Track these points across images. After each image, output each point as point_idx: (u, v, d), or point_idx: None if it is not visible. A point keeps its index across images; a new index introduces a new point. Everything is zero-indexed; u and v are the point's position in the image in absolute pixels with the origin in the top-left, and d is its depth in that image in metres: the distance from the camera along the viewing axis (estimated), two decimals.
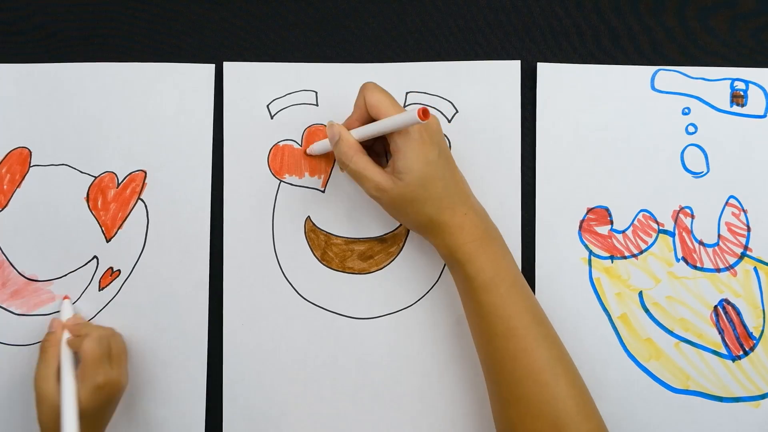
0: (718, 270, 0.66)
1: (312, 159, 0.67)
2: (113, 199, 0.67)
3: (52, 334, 0.63)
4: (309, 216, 0.67)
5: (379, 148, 0.64)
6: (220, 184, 0.67)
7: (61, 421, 0.57)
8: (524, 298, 0.59)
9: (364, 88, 0.60)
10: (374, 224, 0.67)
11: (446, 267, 0.66)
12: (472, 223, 0.59)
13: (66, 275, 0.67)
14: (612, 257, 0.66)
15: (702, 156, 0.67)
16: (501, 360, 0.57)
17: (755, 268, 0.66)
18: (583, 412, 0.56)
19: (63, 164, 0.68)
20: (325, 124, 0.67)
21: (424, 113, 0.53)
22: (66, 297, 0.66)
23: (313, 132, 0.68)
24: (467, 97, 0.67)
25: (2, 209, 0.67)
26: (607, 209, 0.67)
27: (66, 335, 0.63)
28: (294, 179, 0.67)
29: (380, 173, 0.58)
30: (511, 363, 0.57)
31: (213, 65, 0.68)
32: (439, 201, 0.58)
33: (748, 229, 0.66)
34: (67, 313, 0.65)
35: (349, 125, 0.61)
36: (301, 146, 0.67)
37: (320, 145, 0.66)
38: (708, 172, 0.67)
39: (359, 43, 0.68)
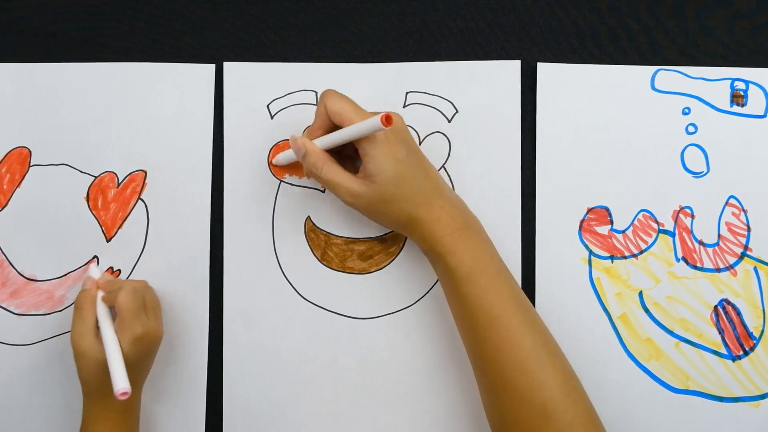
0: (718, 270, 0.66)
1: None
2: (113, 198, 0.67)
3: (86, 291, 0.62)
4: (309, 216, 0.67)
5: (350, 152, 0.64)
6: (220, 184, 0.67)
7: (110, 373, 0.57)
8: (507, 287, 0.59)
9: (325, 95, 0.59)
10: (374, 224, 0.67)
11: None
12: (449, 215, 0.59)
13: (66, 275, 0.67)
14: (612, 257, 0.66)
15: (702, 156, 0.67)
16: (486, 350, 0.57)
17: (755, 268, 0.66)
18: (571, 398, 0.56)
19: (63, 164, 0.68)
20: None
21: (387, 119, 0.53)
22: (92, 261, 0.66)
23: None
24: (467, 97, 0.67)
25: (2, 209, 0.67)
26: (607, 209, 0.67)
27: (100, 293, 0.62)
28: (294, 179, 0.67)
29: (351, 179, 0.58)
30: (495, 352, 0.57)
31: (213, 65, 0.68)
32: (413, 197, 0.58)
33: (748, 229, 0.66)
34: (96, 274, 0.65)
35: (311, 134, 0.61)
36: None
37: (285, 156, 0.65)
38: (708, 172, 0.67)
39: (359, 43, 0.68)
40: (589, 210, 0.67)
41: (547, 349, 0.57)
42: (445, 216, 0.59)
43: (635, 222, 0.67)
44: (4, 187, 0.67)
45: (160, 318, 0.64)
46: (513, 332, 0.57)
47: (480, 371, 0.59)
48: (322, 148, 0.60)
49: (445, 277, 0.60)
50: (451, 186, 0.67)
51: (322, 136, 0.60)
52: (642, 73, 0.68)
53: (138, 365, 0.61)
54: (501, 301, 0.58)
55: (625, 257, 0.66)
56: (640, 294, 0.66)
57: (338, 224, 0.67)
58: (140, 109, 0.68)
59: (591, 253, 0.66)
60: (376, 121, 0.54)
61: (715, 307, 0.66)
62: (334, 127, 0.59)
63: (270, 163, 0.67)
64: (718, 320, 0.65)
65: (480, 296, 0.58)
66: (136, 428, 0.63)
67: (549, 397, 0.55)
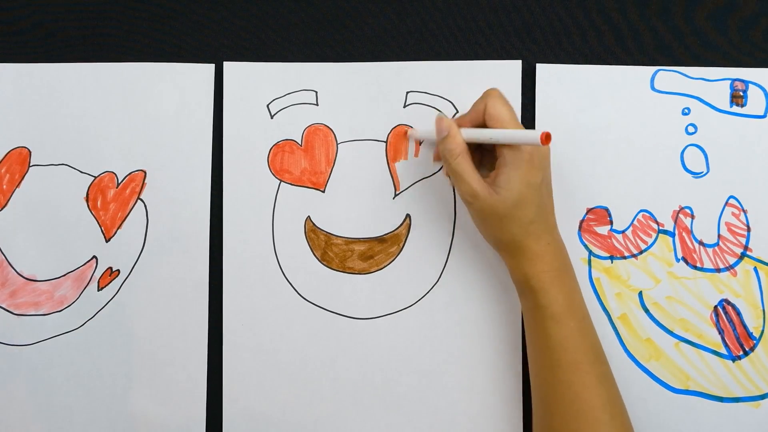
0: (718, 270, 0.66)
1: (312, 159, 0.67)
2: (113, 198, 0.67)
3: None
4: (309, 216, 0.67)
5: (484, 159, 0.62)
6: (219, 184, 0.67)
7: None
8: (591, 334, 0.59)
9: (488, 95, 0.58)
10: (374, 224, 0.67)
11: (446, 269, 0.66)
12: (552, 253, 0.58)
13: (65, 275, 0.67)
14: (612, 257, 0.66)
15: (702, 156, 0.67)
16: (560, 392, 0.57)
17: (755, 268, 0.66)
18: None
19: (63, 164, 0.68)
20: (326, 123, 0.67)
21: (547, 138, 0.52)
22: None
23: (313, 131, 0.68)
24: (467, 97, 0.67)
25: (2, 209, 0.67)
26: (606, 209, 0.67)
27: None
28: (294, 179, 0.67)
29: (479, 180, 0.57)
30: (571, 396, 0.56)
31: (213, 65, 0.68)
32: (527, 225, 0.57)
33: (748, 229, 0.66)
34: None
35: (459, 123, 0.60)
36: (301, 146, 0.67)
37: (425, 132, 0.65)
38: (708, 172, 0.67)
39: (359, 43, 0.68)
40: (589, 210, 0.67)
41: (617, 405, 0.58)
42: (549, 253, 0.58)
43: (635, 222, 0.67)
44: (4, 187, 0.67)
45: None
46: (591, 380, 0.56)
47: (546, 411, 0.59)
48: (467, 138, 0.59)
49: (533, 313, 0.59)
50: (452, 186, 0.67)
51: (468, 128, 0.59)
52: (642, 73, 0.68)
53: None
54: (584, 347, 0.57)
55: (624, 257, 0.66)
56: (640, 294, 0.66)
57: (338, 224, 0.67)
58: (140, 109, 0.68)
59: (591, 253, 0.66)
60: (534, 135, 0.52)
61: (715, 307, 0.66)
62: (483, 124, 0.59)
63: (269, 162, 0.67)
64: (718, 320, 0.65)
65: (567, 338, 0.57)
66: None
67: None
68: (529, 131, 0.54)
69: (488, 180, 0.58)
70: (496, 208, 0.57)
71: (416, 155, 0.67)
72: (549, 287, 0.57)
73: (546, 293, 0.57)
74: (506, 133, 0.56)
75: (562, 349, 0.57)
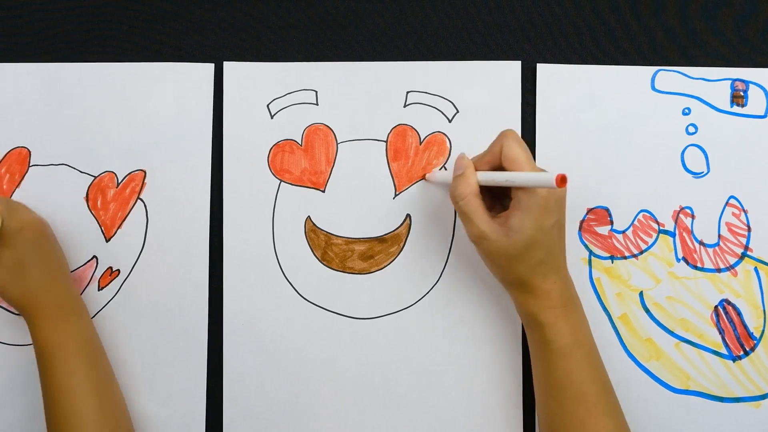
0: (719, 270, 0.66)
1: (313, 159, 0.67)
2: (113, 198, 0.67)
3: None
4: (309, 216, 0.67)
5: (489, 197, 0.62)
6: (219, 184, 0.67)
7: None
8: (597, 366, 0.59)
9: (504, 136, 0.58)
10: (374, 224, 0.67)
11: (446, 269, 0.66)
12: (559, 290, 0.58)
13: None
14: (612, 257, 0.66)
15: (702, 156, 0.67)
16: (568, 424, 0.57)
17: (756, 269, 0.66)
18: None
19: (62, 164, 0.67)
20: (326, 123, 0.67)
21: (562, 180, 0.51)
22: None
23: (313, 131, 0.68)
24: (467, 97, 0.67)
25: None
26: (607, 209, 0.67)
27: None
28: (294, 179, 0.67)
29: (488, 222, 0.57)
30: (577, 428, 0.57)
31: (213, 65, 0.68)
32: (536, 265, 0.57)
33: (749, 230, 0.66)
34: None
35: (477, 165, 0.59)
36: (301, 146, 0.67)
37: (441, 176, 0.65)
38: (708, 172, 0.67)
39: (359, 43, 0.68)
40: (589, 210, 0.67)
41: None
42: (556, 290, 0.58)
43: (635, 222, 0.67)
44: (4, 187, 0.67)
45: (22, 208, 0.63)
46: (598, 412, 0.57)
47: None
48: (483, 181, 0.58)
49: (539, 347, 0.59)
50: None
51: (486, 170, 0.59)
52: (642, 73, 0.68)
53: (38, 253, 0.61)
54: (591, 380, 0.58)
55: (625, 257, 0.66)
56: (641, 294, 0.66)
57: (338, 224, 0.67)
58: (140, 109, 0.68)
59: (591, 253, 0.66)
60: (549, 178, 0.52)
61: (716, 307, 0.66)
62: (500, 166, 0.58)
63: (269, 162, 0.67)
64: (718, 320, 0.65)
65: (572, 371, 0.57)
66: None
67: None
68: (545, 174, 0.53)
69: (499, 220, 0.58)
70: (506, 250, 0.57)
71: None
72: (555, 322, 0.58)
73: (551, 328, 0.58)
74: (522, 176, 0.56)
75: (568, 381, 0.57)
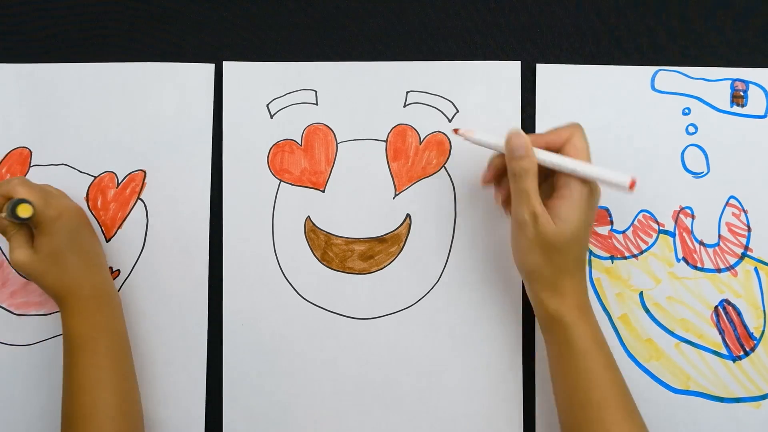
0: (719, 270, 0.66)
1: (312, 159, 0.67)
2: (113, 198, 0.67)
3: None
4: (309, 216, 0.67)
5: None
6: (219, 184, 0.67)
7: None
8: (616, 369, 0.58)
9: (576, 127, 0.58)
10: (374, 224, 0.67)
11: (446, 269, 0.66)
12: (581, 291, 0.58)
13: None
14: (612, 258, 0.66)
15: (702, 156, 0.67)
16: (591, 428, 0.56)
17: (756, 269, 0.66)
18: None
19: (63, 164, 0.68)
20: (326, 123, 0.67)
21: (632, 185, 0.52)
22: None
23: (312, 131, 0.68)
24: (467, 97, 0.67)
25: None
26: (607, 209, 0.67)
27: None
28: (294, 179, 0.67)
29: (542, 204, 0.56)
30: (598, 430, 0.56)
31: (213, 65, 0.68)
32: (571, 261, 0.57)
33: (749, 230, 0.66)
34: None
35: (534, 142, 0.58)
36: (301, 146, 0.67)
37: (491, 139, 0.60)
38: (708, 172, 0.67)
39: (359, 43, 0.68)
40: None
41: None
42: (578, 291, 0.58)
43: (635, 222, 0.67)
44: None
45: (59, 195, 0.64)
46: (621, 415, 0.56)
47: None
48: (547, 163, 0.57)
49: (562, 349, 0.58)
50: (452, 186, 0.67)
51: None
52: (642, 73, 0.68)
53: (74, 241, 0.61)
54: (612, 382, 0.57)
55: (625, 258, 0.66)
56: (641, 294, 0.66)
57: (338, 224, 0.67)
58: (140, 108, 0.68)
59: (591, 253, 0.66)
60: (624, 179, 0.53)
61: (716, 307, 0.66)
62: (556, 151, 0.58)
63: (268, 161, 0.67)
64: (718, 320, 0.65)
65: (598, 374, 0.57)
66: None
67: None
68: (619, 174, 0.54)
69: (547, 210, 0.57)
70: (551, 238, 0.56)
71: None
72: (578, 322, 0.57)
73: (575, 328, 0.57)
74: (595, 169, 0.56)
75: (593, 385, 0.57)
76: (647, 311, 0.66)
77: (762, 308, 0.65)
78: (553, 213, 0.56)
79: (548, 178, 0.59)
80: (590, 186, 0.56)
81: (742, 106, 0.67)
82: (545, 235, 0.56)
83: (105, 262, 0.65)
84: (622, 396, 0.57)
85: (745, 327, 0.65)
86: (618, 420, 0.56)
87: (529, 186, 0.56)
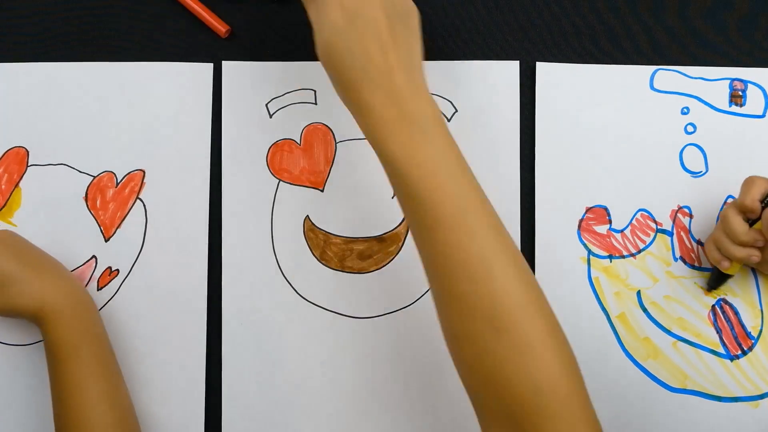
0: (715, 269, 0.66)
1: (311, 158, 0.67)
2: (112, 198, 0.67)
3: None
4: (308, 215, 0.67)
5: None
6: (218, 184, 0.67)
7: None
8: (473, 183, 0.51)
9: None
10: (373, 223, 0.67)
11: None
12: (381, 104, 0.50)
13: None
14: (611, 256, 0.66)
15: (701, 156, 0.67)
16: (433, 254, 0.50)
17: (753, 268, 0.66)
18: (530, 309, 0.48)
19: (61, 164, 0.67)
20: (324, 123, 0.67)
21: None
22: None
23: (311, 130, 0.68)
24: (466, 97, 0.67)
25: (0, 209, 0.67)
26: (605, 209, 0.67)
27: None
28: (293, 178, 0.67)
29: None
30: (441, 257, 0.49)
31: (212, 64, 0.68)
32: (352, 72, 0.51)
33: None
34: None
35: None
36: (300, 145, 0.67)
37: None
38: (707, 171, 0.67)
39: None
40: (588, 209, 0.67)
41: (505, 255, 0.49)
42: (377, 105, 0.51)
43: (633, 221, 0.67)
44: (2, 187, 0.67)
45: None
46: (463, 235, 0.49)
47: (429, 277, 0.52)
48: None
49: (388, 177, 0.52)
50: None
51: None
52: (641, 72, 0.68)
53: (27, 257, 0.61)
54: (463, 192, 0.50)
55: (623, 257, 0.66)
56: (638, 293, 0.66)
57: (337, 224, 0.67)
58: (139, 108, 0.68)
59: (590, 252, 0.66)
60: None
61: (713, 306, 0.66)
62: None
63: (267, 161, 0.67)
64: (715, 320, 0.66)
65: (422, 194, 0.49)
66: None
67: (500, 304, 0.47)
68: None
69: None
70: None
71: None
72: (385, 141, 0.50)
73: (385, 148, 0.50)
74: None
75: (423, 205, 0.49)
76: (645, 310, 0.66)
77: (759, 307, 0.65)
78: None
79: None
80: None
81: (741, 105, 0.67)
82: None
83: (64, 269, 0.64)
84: (474, 204, 0.50)
85: (743, 326, 0.65)
86: (460, 238, 0.49)
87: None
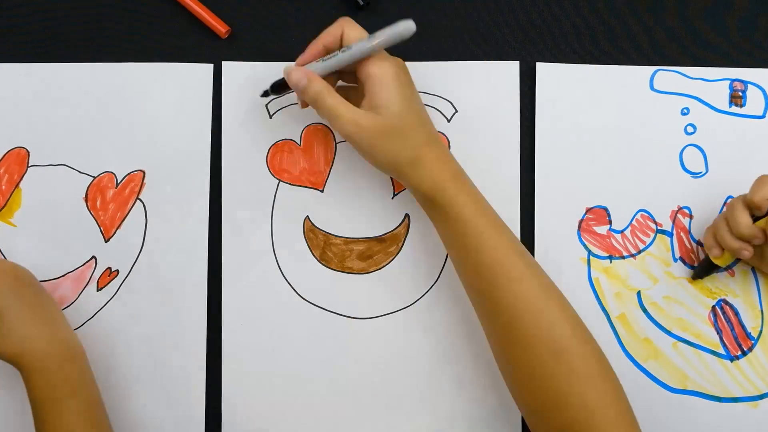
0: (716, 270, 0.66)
1: (311, 159, 0.67)
2: (112, 199, 0.67)
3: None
4: (308, 216, 0.67)
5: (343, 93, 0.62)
6: (218, 184, 0.67)
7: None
8: (506, 230, 0.58)
9: (344, 21, 0.59)
10: (373, 224, 0.67)
11: (445, 268, 0.66)
12: (447, 157, 0.59)
13: (65, 275, 0.67)
14: (611, 257, 0.66)
15: (701, 156, 0.67)
16: (492, 293, 0.57)
17: (753, 269, 0.66)
18: (578, 336, 0.56)
19: (61, 164, 0.67)
20: (324, 123, 0.67)
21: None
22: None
23: (311, 131, 0.68)
24: (466, 97, 0.67)
25: (0, 209, 0.67)
26: (605, 209, 0.67)
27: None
28: (293, 178, 0.67)
29: (356, 110, 0.57)
30: (503, 294, 0.56)
31: (212, 65, 0.68)
32: (416, 136, 0.58)
33: None
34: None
35: (303, 61, 0.60)
36: (300, 146, 0.67)
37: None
38: (707, 172, 0.67)
39: None
40: (588, 210, 0.67)
41: (552, 291, 0.57)
42: (444, 158, 0.58)
43: (633, 222, 0.67)
44: (3, 187, 0.67)
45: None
46: (520, 274, 0.56)
47: (488, 318, 0.59)
48: (323, 71, 0.58)
49: (449, 220, 0.58)
50: None
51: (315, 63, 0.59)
52: (641, 73, 0.68)
53: (16, 300, 0.59)
54: (504, 244, 0.57)
55: (623, 257, 0.66)
56: (638, 294, 0.66)
57: (337, 224, 0.67)
58: (139, 109, 0.68)
59: (590, 252, 0.66)
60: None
61: (713, 307, 0.66)
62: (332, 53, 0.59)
63: (267, 161, 0.67)
64: (716, 320, 0.66)
65: (486, 238, 0.57)
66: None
67: (560, 335, 0.55)
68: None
69: (364, 107, 0.58)
70: (384, 128, 0.57)
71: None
72: (456, 191, 0.57)
73: (456, 197, 0.57)
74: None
75: (484, 249, 0.57)
76: (645, 311, 0.66)
77: (759, 308, 0.65)
78: (373, 106, 0.57)
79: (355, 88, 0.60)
80: (387, 62, 0.57)
81: (741, 106, 0.67)
82: (377, 129, 0.57)
83: (60, 315, 0.62)
84: (519, 255, 0.57)
85: (743, 327, 0.65)
86: (518, 278, 0.56)
87: (332, 105, 0.57)
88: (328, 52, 0.59)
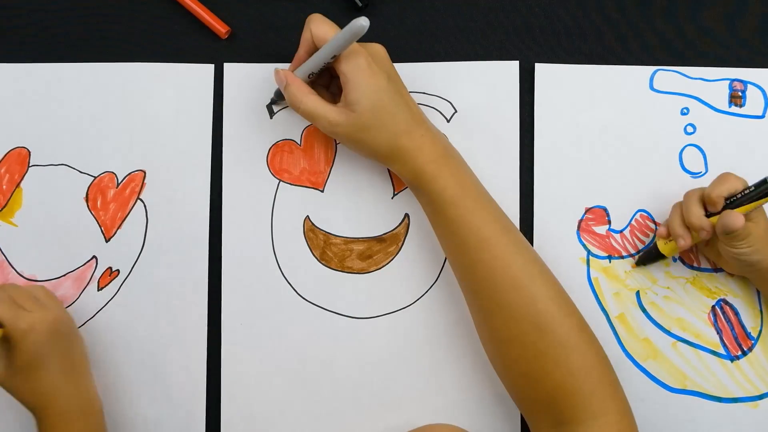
0: (716, 270, 0.66)
1: (312, 159, 0.67)
2: (112, 199, 0.67)
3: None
4: (308, 215, 0.67)
5: (335, 89, 0.65)
6: (219, 184, 0.67)
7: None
8: (491, 208, 0.60)
9: (311, 20, 0.60)
10: (373, 224, 0.67)
11: (444, 268, 0.66)
12: (430, 143, 0.60)
13: (65, 275, 0.67)
14: (610, 257, 0.66)
15: (700, 156, 0.67)
16: (477, 271, 0.58)
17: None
18: (563, 310, 0.57)
19: (62, 164, 0.68)
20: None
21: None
22: None
23: (312, 131, 0.68)
24: (466, 97, 0.67)
25: (1, 209, 0.67)
26: (605, 209, 0.67)
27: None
28: (293, 178, 0.67)
29: (331, 109, 0.59)
30: (487, 272, 0.57)
31: (213, 65, 0.68)
32: (394, 127, 0.59)
33: None
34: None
35: (296, 62, 0.62)
36: (300, 146, 0.68)
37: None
38: (706, 172, 0.67)
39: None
40: (587, 210, 0.67)
41: (536, 266, 0.58)
42: (427, 144, 0.59)
43: (633, 222, 0.67)
44: (4, 187, 0.67)
45: (48, 300, 0.62)
46: (503, 251, 0.57)
47: (472, 294, 0.60)
48: (304, 73, 0.60)
49: (431, 204, 0.60)
50: None
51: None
52: (640, 73, 0.68)
53: (50, 353, 0.59)
54: (488, 222, 0.58)
55: (622, 257, 0.67)
56: (638, 294, 0.66)
57: (337, 224, 0.67)
58: (140, 109, 0.68)
59: (589, 252, 0.66)
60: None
61: (713, 307, 0.66)
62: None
63: (268, 161, 0.67)
64: (716, 320, 0.66)
65: (468, 219, 0.58)
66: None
67: (543, 310, 0.56)
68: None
69: (340, 105, 0.59)
70: (358, 124, 0.58)
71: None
72: (437, 175, 0.59)
73: (437, 182, 0.59)
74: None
75: (467, 230, 0.58)
76: (644, 310, 0.66)
77: (759, 308, 0.65)
78: (347, 103, 0.58)
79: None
80: (357, 57, 0.58)
81: (741, 106, 0.67)
82: (353, 126, 0.59)
83: (87, 369, 0.63)
84: (501, 233, 0.58)
85: (743, 327, 0.65)
86: (501, 255, 0.57)
87: (307, 107, 0.59)
88: (311, 53, 0.61)
